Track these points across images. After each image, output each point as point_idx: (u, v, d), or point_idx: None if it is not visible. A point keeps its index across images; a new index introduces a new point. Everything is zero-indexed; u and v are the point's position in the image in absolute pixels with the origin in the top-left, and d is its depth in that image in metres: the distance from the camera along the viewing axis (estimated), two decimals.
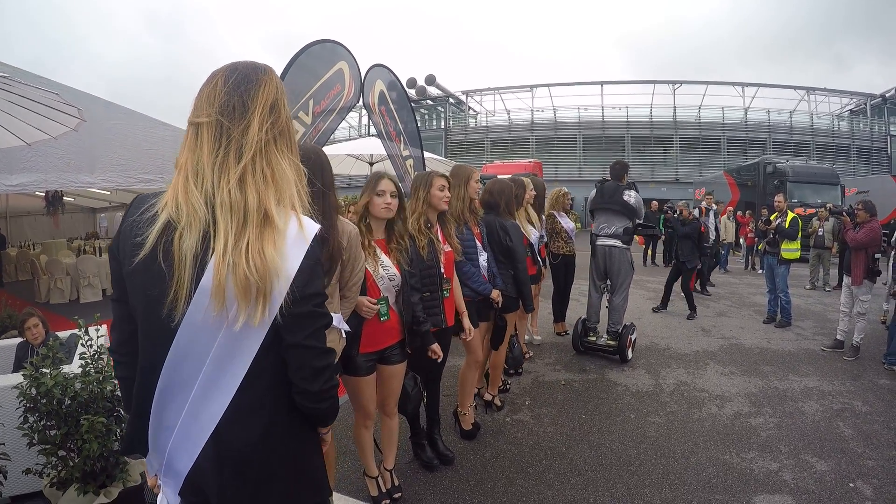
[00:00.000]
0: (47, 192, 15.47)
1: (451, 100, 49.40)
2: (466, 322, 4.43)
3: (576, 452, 4.78)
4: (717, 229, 13.34)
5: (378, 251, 3.55)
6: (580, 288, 11.66)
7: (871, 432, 5.27)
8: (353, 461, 4.45)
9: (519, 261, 5.02)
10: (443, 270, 4.12)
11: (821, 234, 13.57)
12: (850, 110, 46.78)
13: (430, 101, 49.38)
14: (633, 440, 5.01)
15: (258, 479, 1.63)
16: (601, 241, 7.44)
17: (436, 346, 3.83)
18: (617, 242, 7.32)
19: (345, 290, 3.09)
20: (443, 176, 4.21)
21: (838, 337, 8.09)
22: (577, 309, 9.76)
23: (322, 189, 2.78)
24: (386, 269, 3.54)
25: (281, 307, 1.53)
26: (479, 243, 4.74)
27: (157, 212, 1.53)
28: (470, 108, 50.86)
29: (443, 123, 49.58)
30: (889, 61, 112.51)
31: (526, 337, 7.82)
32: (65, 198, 16.74)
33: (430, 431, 4.63)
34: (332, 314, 2.88)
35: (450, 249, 4.24)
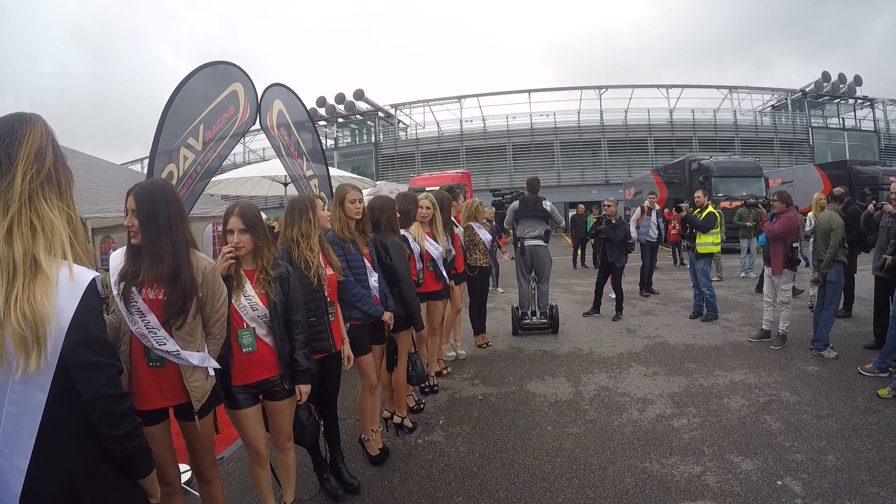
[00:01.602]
0: None
1: (380, 114, 49.50)
2: (347, 350, 4.23)
3: (487, 472, 4.50)
4: (659, 228, 13.28)
5: (244, 280, 3.33)
6: (507, 296, 11.58)
7: (800, 423, 5.12)
8: (255, 498, 4.11)
9: (401, 279, 4.83)
10: (327, 294, 3.95)
11: None
12: (772, 106, 48.69)
13: (359, 116, 49.47)
14: (549, 454, 4.75)
15: None
16: (528, 243, 8.83)
17: (304, 388, 3.54)
18: (541, 242, 8.81)
19: (208, 326, 2.93)
20: (318, 197, 4.25)
21: (764, 327, 8.06)
22: (499, 318, 10.04)
23: (168, 223, 2.67)
24: (248, 298, 3.31)
25: (65, 359, 1.59)
26: (368, 263, 4.57)
27: None
28: (400, 121, 51.02)
29: (373, 138, 49.49)
30: (807, 59, 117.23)
31: (452, 353, 7.69)
32: None
33: (332, 461, 4.36)
34: (195, 353, 2.75)
35: (332, 272, 4.06)
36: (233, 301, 3.22)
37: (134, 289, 2.63)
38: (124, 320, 2.65)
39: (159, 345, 2.65)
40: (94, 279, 1.68)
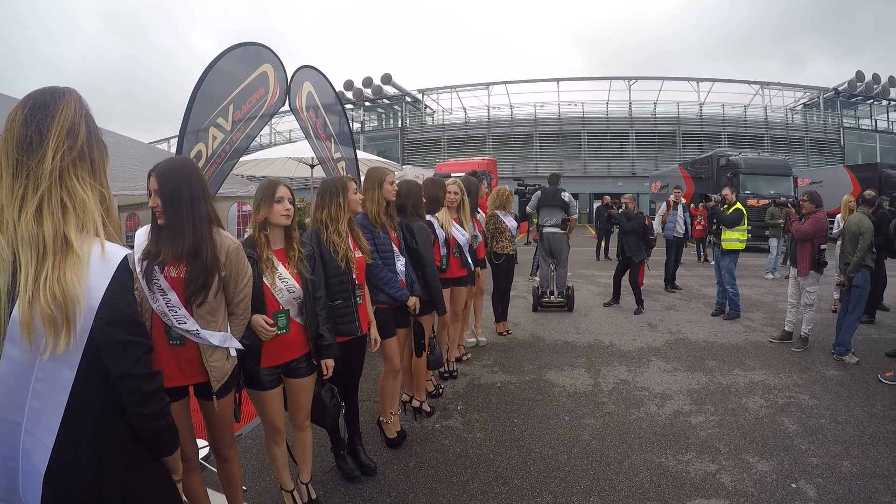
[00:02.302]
0: None
1: (407, 98, 49.44)
2: (374, 332, 4.25)
3: (504, 459, 4.53)
4: (686, 223, 13.08)
5: (276, 263, 3.37)
6: (530, 285, 11.64)
7: (817, 427, 5.09)
8: (272, 475, 4.15)
9: (426, 264, 4.87)
10: (355, 276, 3.96)
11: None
12: (804, 104, 47.87)
13: (386, 101, 49.39)
14: (565, 445, 4.77)
15: None
16: (547, 230, 9.72)
17: (329, 362, 3.61)
18: (558, 230, 9.64)
19: (231, 306, 2.93)
20: (351, 179, 4.16)
21: (786, 328, 7.98)
22: (520, 305, 10.21)
23: (191, 201, 2.66)
24: (284, 281, 3.36)
25: (95, 338, 1.58)
26: (396, 248, 4.59)
27: None
28: (427, 106, 50.92)
29: (399, 122, 49.46)
30: (842, 57, 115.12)
31: (472, 339, 7.70)
32: None
33: (350, 442, 4.41)
34: (215, 333, 2.74)
35: (361, 255, 4.07)
36: (267, 283, 3.26)
37: (156, 267, 2.64)
38: (146, 297, 2.66)
39: (179, 323, 2.67)
40: (126, 257, 1.67)
